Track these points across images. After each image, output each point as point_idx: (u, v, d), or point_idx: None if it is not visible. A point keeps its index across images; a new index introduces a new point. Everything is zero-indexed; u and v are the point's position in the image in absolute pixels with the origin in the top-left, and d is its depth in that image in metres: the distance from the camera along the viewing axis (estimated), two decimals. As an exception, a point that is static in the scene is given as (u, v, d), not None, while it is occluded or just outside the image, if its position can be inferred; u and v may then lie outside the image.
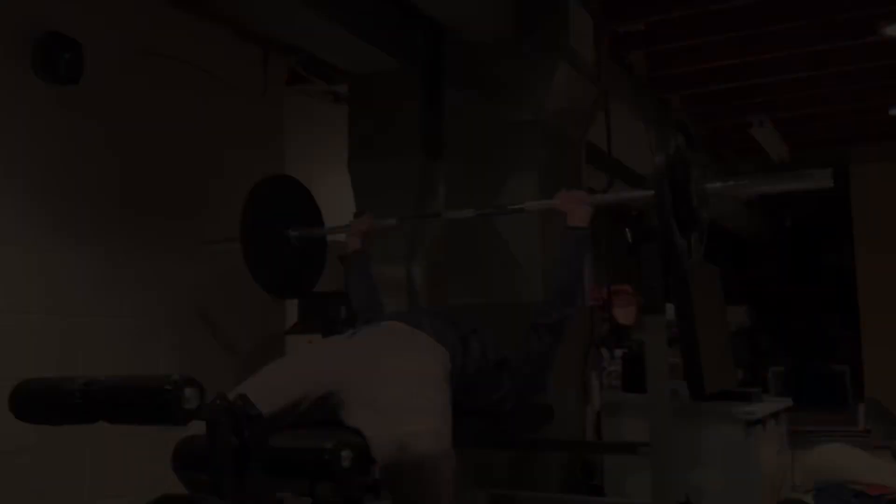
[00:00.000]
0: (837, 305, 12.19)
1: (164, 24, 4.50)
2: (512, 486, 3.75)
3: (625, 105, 5.09)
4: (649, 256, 3.10)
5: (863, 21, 5.06)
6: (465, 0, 3.82)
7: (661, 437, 3.09)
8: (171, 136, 4.50)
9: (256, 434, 2.10)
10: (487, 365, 2.85)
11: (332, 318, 4.64)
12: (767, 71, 5.85)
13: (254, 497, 2.07)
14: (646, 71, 5.58)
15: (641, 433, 3.35)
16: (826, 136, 7.83)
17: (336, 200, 5.77)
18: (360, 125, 4.59)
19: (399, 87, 4.49)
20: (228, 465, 2.00)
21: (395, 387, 2.34)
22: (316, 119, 5.94)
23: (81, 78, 3.91)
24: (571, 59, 4.07)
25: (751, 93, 6.40)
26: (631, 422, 3.90)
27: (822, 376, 10.41)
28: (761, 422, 3.86)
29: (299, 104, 5.77)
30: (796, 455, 4.54)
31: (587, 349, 4.19)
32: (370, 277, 3.60)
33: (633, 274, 3.25)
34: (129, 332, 4.17)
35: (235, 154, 4.90)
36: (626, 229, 3.53)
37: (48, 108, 3.87)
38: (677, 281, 3.70)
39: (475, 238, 4.06)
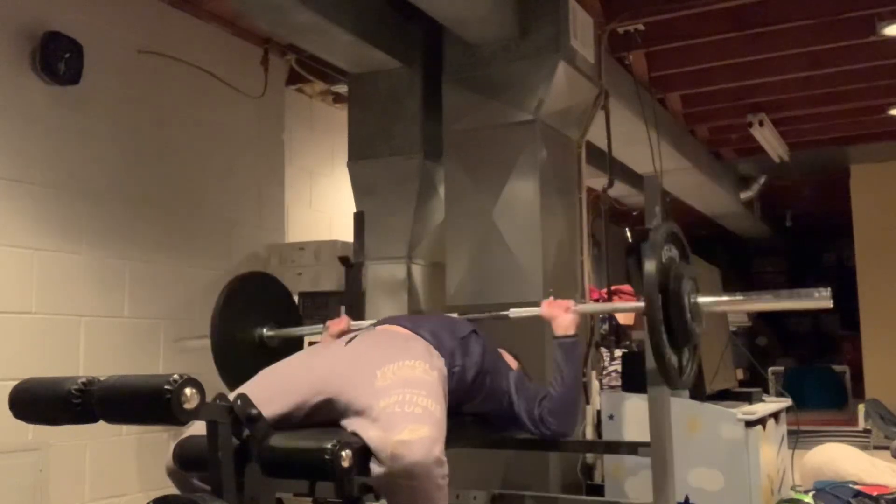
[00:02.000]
0: (837, 305, 12.21)
1: (165, 24, 4.51)
2: (512, 486, 3.74)
3: (625, 105, 5.09)
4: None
5: (862, 21, 5.06)
6: (465, 0, 3.80)
7: (661, 437, 3.09)
8: (171, 136, 4.51)
9: (256, 434, 2.10)
10: (487, 369, 2.85)
11: (332, 318, 4.64)
12: (767, 70, 5.84)
13: (254, 497, 2.07)
14: (646, 71, 5.57)
15: (641, 433, 3.35)
16: (826, 136, 7.83)
17: (336, 200, 5.79)
18: (360, 125, 4.58)
19: (399, 87, 4.49)
20: (228, 465, 2.00)
21: (389, 395, 2.33)
22: (316, 119, 5.94)
23: (81, 78, 3.92)
24: (571, 59, 4.06)
25: (750, 93, 6.40)
26: (631, 422, 3.90)
27: (822, 376, 10.44)
28: (761, 422, 3.86)
29: (299, 104, 5.78)
30: (796, 455, 4.54)
31: (587, 349, 4.19)
32: None
33: (633, 273, 3.21)
34: (129, 332, 4.17)
35: (236, 154, 4.91)
36: (626, 229, 3.51)
37: (48, 108, 3.88)
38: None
39: (475, 238, 4.04)
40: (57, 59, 3.81)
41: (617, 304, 3.15)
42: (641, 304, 2.80)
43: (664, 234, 2.94)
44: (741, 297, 3.08)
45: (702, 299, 2.95)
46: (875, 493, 4.01)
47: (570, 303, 3.11)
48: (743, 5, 4.83)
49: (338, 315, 4.65)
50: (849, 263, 9.61)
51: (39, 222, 3.78)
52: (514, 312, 3.26)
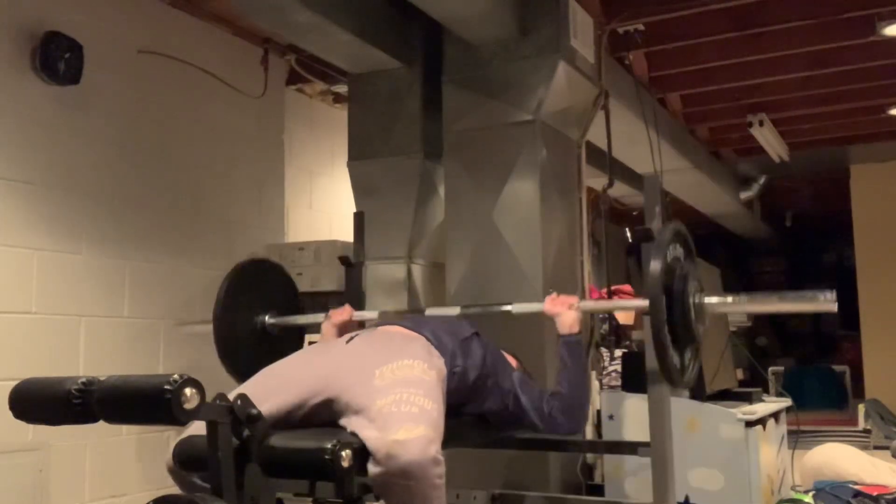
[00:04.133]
0: (837, 305, 12.21)
1: (165, 24, 4.51)
2: (512, 486, 3.75)
3: (625, 105, 5.09)
4: (649, 256, 3.07)
5: (862, 21, 5.06)
6: (465, 0, 3.80)
7: (661, 437, 3.09)
8: (171, 136, 4.51)
9: (256, 434, 2.10)
10: (488, 370, 2.85)
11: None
12: (767, 70, 5.85)
13: (254, 497, 2.08)
14: (646, 71, 5.57)
15: (641, 433, 3.35)
16: (826, 136, 7.83)
17: (336, 200, 5.80)
18: (360, 125, 4.58)
19: (399, 86, 4.48)
20: (228, 465, 2.00)
21: (386, 394, 2.34)
22: (315, 120, 5.95)
23: (81, 78, 3.92)
24: (571, 59, 4.06)
25: (750, 93, 6.40)
26: (631, 422, 3.90)
27: (822, 376, 10.44)
28: (761, 422, 3.86)
29: (299, 104, 5.78)
30: (796, 455, 4.54)
31: (587, 349, 4.19)
32: None
33: (633, 273, 3.21)
34: (129, 331, 4.17)
35: (236, 154, 4.91)
36: (626, 229, 3.51)
37: (48, 108, 3.88)
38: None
39: (475, 238, 4.05)
40: (57, 59, 3.81)
41: (620, 301, 3.15)
42: (645, 302, 2.80)
43: (671, 234, 2.95)
44: (746, 299, 3.08)
45: (706, 300, 2.94)
46: (875, 493, 4.01)
47: (574, 299, 3.11)
48: (743, 5, 4.83)
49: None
50: (849, 263, 9.61)
51: (39, 222, 3.78)
52: (516, 307, 3.26)
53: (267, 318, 3.60)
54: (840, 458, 4.50)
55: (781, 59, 5.65)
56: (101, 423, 1.98)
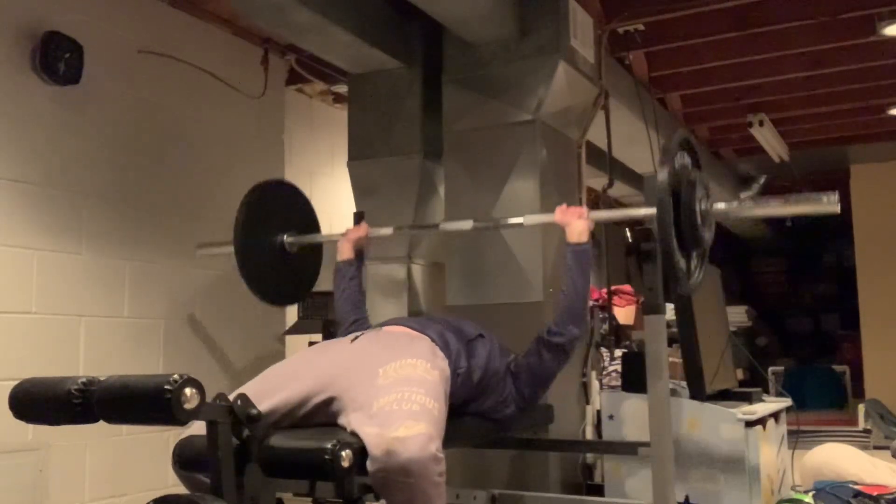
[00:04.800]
0: (837, 305, 12.22)
1: (165, 24, 4.51)
2: (512, 486, 3.75)
3: (625, 105, 5.09)
4: (649, 257, 3.09)
5: (862, 20, 5.06)
6: (466, 0, 3.80)
7: (661, 437, 3.10)
8: (171, 136, 4.51)
9: (256, 434, 2.11)
10: (492, 370, 2.87)
11: (333, 318, 4.65)
12: (767, 70, 5.85)
13: (254, 497, 2.08)
14: (646, 71, 5.57)
15: (641, 433, 3.35)
16: (826, 136, 7.83)
17: (335, 200, 5.79)
18: (360, 125, 4.59)
19: (399, 86, 4.48)
20: (228, 465, 2.00)
21: (388, 393, 2.35)
22: (316, 119, 5.95)
23: (81, 78, 3.92)
24: (571, 59, 4.06)
25: (750, 93, 6.40)
26: (631, 422, 3.90)
27: (822, 376, 10.44)
28: (761, 422, 3.86)
29: (299, 104, 5.78)
30: (796, 455, 4.54)
31: (587, 349, 4.19)
32: (356, 287, 3.59)
33: (634, 274, 3.23)
34: (130, 331, 4.17)
35: (236, 154, 4.91)
36: (626, 229, 3.52)
37: (48, 107, 3.87)
38: (678, 297, 3.70)
39: (475, 238, 4.05)
40: (57, 59, 3.81)
41: (630, 210, 3.26)
42: (653, 210, 2.89)
43: (678, 141, 3.03)
44: (751, 204, 3.18)
45: (714, 205, 3.05)
46: (875, 493, 4.02)
47: (584, 210, 3.20)
48: (743, 5, 4.83)
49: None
50: (849, 263, 9.62)
51: (39, 222, 3.78)
52: (528, 219, 3.43)
53: (286, 236, 3.81)
54: (840, 458, 4.50)
55: (781, 59, 5.66)
56: (101, 423, 1.98)
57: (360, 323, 3.45)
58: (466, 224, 3.57)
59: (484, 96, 4.12)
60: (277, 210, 3.85)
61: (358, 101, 4.63)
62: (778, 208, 3.27)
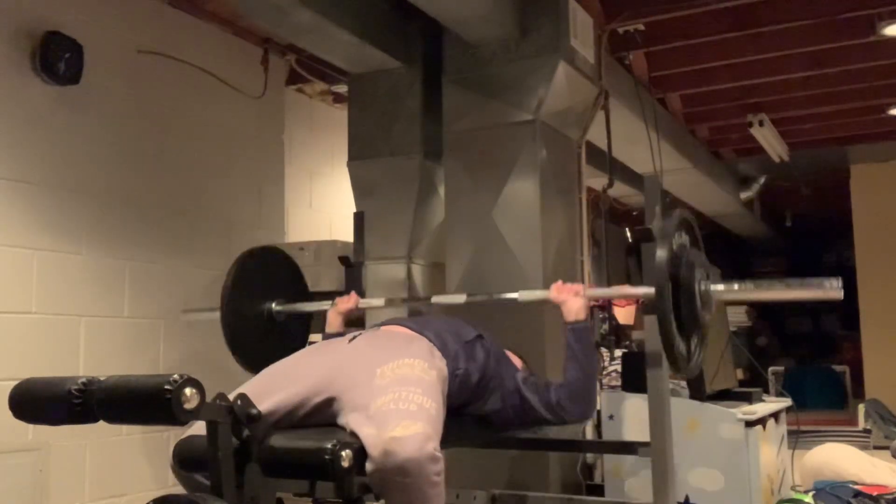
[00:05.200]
0: (837, 305, 12.24)
1: (165, 24, 4.51)
2: (512, 486, 3.75)
3: (625, 105, 5.09)
4: (649, 257, 3.08)
5: (862, 20, 5.06)
6: (466, 0, 3.80)
7: (661, 437, 3.09)
8: (171, 136, 4.51)
9: (256, 434, 2.10)
10: (490, 373, 2.86)
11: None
12: (767, 70, 5.85)
13: (254, 497, 2.08)
14: (646, 71, 5.57)
15: (641, 433, 3.35)
16: (826, 136, 7.83)
17: (335, 200, 5.80)
18: (360, 125, 4.59)
19: (399, 86, 4.49)
20: (228, 465, 2.00)
21: (385, 393, 2.34)
22: (316, 119, 5.95)
23: (81, 78, 3.92)
24: (571, 59, 4.06)
25: (750, 92, 6.40)
26: (631, 422, 3.90)
27: (822, 376, 10.45)
28: (761, 422, 3.86)
29: (299, 104, 5.78)
30: (796, 455, 4.54)
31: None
32: None
33: (634, 274, 3.21)
34: (129, 331, 4.17)
35: (236, 153, 4.91)
36: (626, 229, 3.51)
37: (48, 108, 3.88)
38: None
39: (475, 238, 4.06)
40: (57, 59, 3.81)
41: (625, 288, 3.17)
42: (651, 289, 2.80)
43: (676, 221, 2.96)
44: (752, 286, 3.10)
45: (713, 287, 2.95)
46: (875, 493, 4.02)
47: (580, 287, 3.11)
48: (743, 5, 4.83)
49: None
50: (849, 263, 9.61)
51: (39, 222, 3.79)
52: (523, 295, 3.25)
53: (274, 305, 3.64)
54: (840, 458, 4.51)
55: (781, 59, 5.66)
56: (101, 423, 1.98)
57: None
58: (459, 298, 3.44)
59: (484, 96, 4.13)
60: (266, 277, 3.71)
61: (358, 101, 4.63)
62: (780, 293, 3.20)
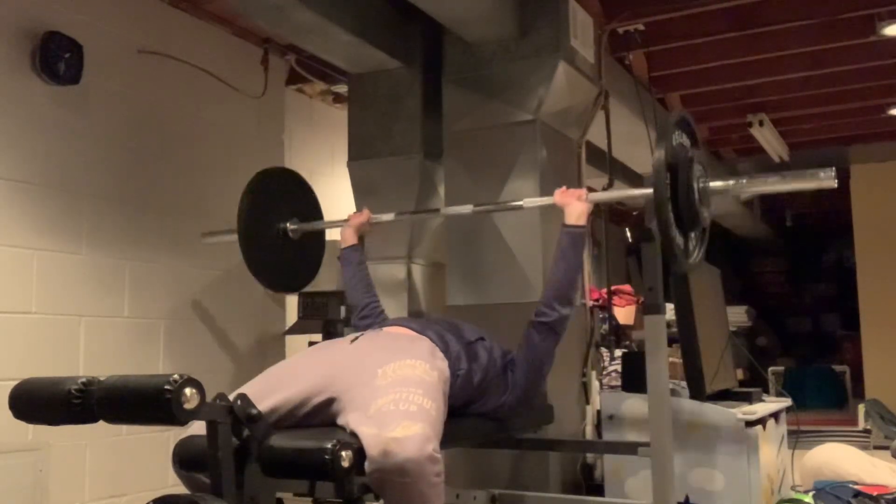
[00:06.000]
0: (837, 305, 12.24)
1: (165, 24, 4.52)
2: (512, 486, 3.76)
3: (625, 105, 5.09)
4: (649, 256, 3.09)
5: (862, 20, 5.07)
6: (466, 1, 3.81)
7: (661, 437, 3.10)
8: (171, 135, 4.51)
9: (256, 434, 2.11)
10: (493, 372, 2.87)
11: (332, 318, 4.65)
12: (767, 70, 5.85)
13: (254, 497, 2.08)
14: (646, 71, 5.58)
15: (641, 433, 3.35)
16: (826, 136, 7.84)
17: (335, 200, 5.79)
18: (360, 125, 4.60)
19: (399, 86, 4.50)
20: (228, 465, 2.00)
21: (386, 394, 2.36)
22: (316, 119, 5.96)
23: (81, 78, 3.92)
24: (571, 59, 4.07)
25: (750, 93, 6.41)
26: (631, 422, 3.91)
27: (822, 376, 10.45)
28: (761, 422, 3.86)
29: (299, 104, 5.79)
30: (796, 455, 4.54)
31: (587, 349, 4.19)
32: (364, 271, 3.66)
33: (634, 273, 3.24)
34: (129, 331, 4.17)
35: (236, 154, 4.92)
36: (626, 229, 3.53)
37: (48, 107, 3.88)
38: (677, 280, 3.71)
39: (475, 238, 4.06)
40: (57, 59, 3.81)
41: (627, 190, 3.31)
42: (650, 190, 2.89)
43: (675, 120, 3.05)
44: (746, 180, 3.20)
45: (710, 183, 3.07)
46: (875, 493, 4.02)
47: (583, 192, 3.21)
48: (743, 5, 4.83)
49: (337, 315, 4.67)
50: (849, 263, 9.63)
51: (39, 222, 3.79)
52: (528, 202, 3.49)
53: (288, 224, 3.91)
54: (840, 458, 4.51)
55: (781, 59, 5.67)
56: (101, 424, 1.98)
57: (372, 306, 3.52)
58: (466, 208, 3.62)
59: (484, 96, 4.13)
60: (281, 197, 3.94)
61: (358, 101, 4.64)
62: (775, 185, 3.30)
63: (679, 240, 2.95)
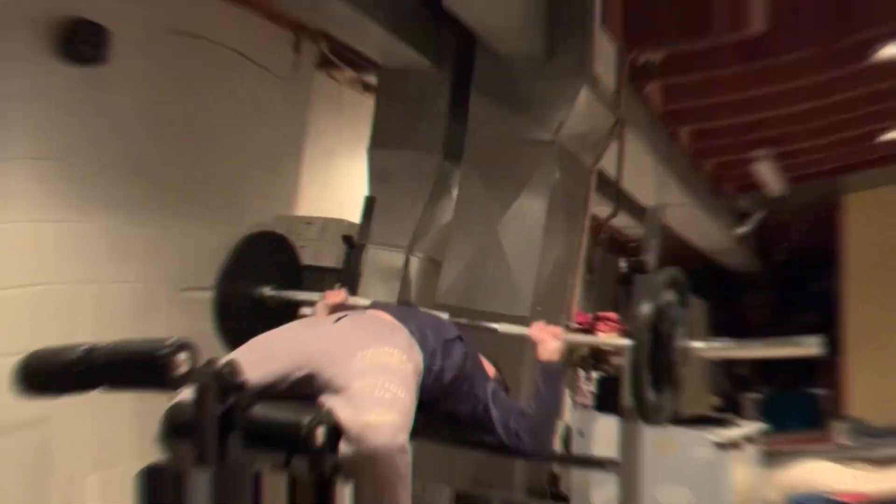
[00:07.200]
0: (818, 331, 12.10)
1: (193, 5, 4.55)
2: (476, 483, 3.82)
3: (635, 136, 5.08)
4: (639, 288, 3.08)
5: (857, 46, 5.05)
6: (498, 12, 3.84)
7: (630, 454, 3.20)
8: (194, 109, 4.56)
9: (241, 402, 2.18)
10: (465, 374, 2.93)
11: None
12: (772, 104, 5.87)
13: (234, 465, 2.15)
14: (660, 103, 5.59)
15: (611, 449, 3.40)
16: (823, 168, 7.88)
17: (351, 182, 5.86)
18: (386, 117, 4.62)
19: (428, 86, 4.52)
20: (213, 431, 2.08)
21: (364, 377, 2.43)
22: (343, 103, 5.99)
23: (108, 59, 3.95)
24: (593, 85, 4.12)
25: (755, 127, 6.42)
26: (600, 440, 3.94)
27: (800, 400, 10.51)
28: (734, 444, 3.92)
29: (329, 87, 5.83)
30: (771, 473, 4.59)
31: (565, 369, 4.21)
32: None
33: (622, 301, 3.29)
34: (135, 297, 4.25)
35: (257, 127, 4.97)
36: (620, 260, 3.51)
37: (73, 89, 3.91)
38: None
39: (477, 243, 4.13)
40: (82, 41, 3.83)
41: (605, 338, 3.24)
42: (630, 342, 2.85)
43: (666, 278, 3.02)
44: (732, 345, 3.15)
45: (692, 344, 3.00)
46: (853, 502, 4.04)
47: (559, 330, 3.17)
48: (751, 39, 4.75)
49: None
50: (831, 293, 9.71)
51: (60, 197, 3.86)
52: (502, 327, 3.32)
53: (267, 289, 3.69)
54: (815, 473, 4.57)
55: (786, 92, 5.65)
56: (105, 399, 2.04)
57: None
58: (443, 315, 3.39)
59: (508, 109, 4.17)
60: (264, 261, 3.78)
61: (386, 93, 4.68)
62: (759, 350, 3.24)
63: (651, 396, 2.89)
